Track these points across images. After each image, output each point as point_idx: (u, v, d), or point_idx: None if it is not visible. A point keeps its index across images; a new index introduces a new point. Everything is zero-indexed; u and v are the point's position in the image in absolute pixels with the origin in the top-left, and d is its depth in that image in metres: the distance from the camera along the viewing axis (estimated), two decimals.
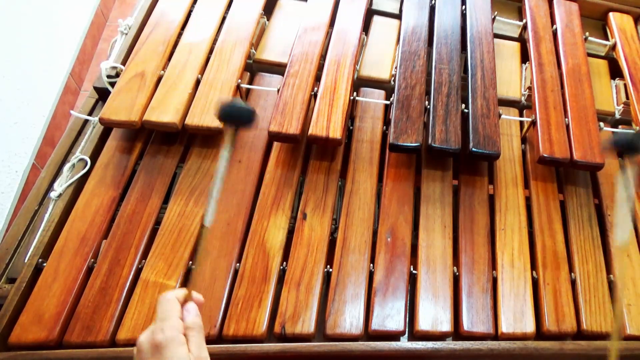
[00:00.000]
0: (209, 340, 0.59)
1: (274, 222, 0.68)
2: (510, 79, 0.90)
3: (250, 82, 0.82)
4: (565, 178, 0.79)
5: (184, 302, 0.44)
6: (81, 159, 0.73)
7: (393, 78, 0.84)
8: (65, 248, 0.64)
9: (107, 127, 0.76)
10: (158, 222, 0.67)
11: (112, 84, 0.78)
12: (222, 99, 0.48)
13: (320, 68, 0.79)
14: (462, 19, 0.90)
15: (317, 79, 0.78)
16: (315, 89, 0.76)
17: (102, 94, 0.80)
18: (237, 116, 0.47)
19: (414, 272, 0.66)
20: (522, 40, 0.96)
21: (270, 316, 0.61)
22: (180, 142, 0.75)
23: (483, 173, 0.77)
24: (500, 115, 0.78)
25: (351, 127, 0.79)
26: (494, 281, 0.67)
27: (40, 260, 0.63)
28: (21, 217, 0.69)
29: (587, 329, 0.64)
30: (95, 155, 0.73)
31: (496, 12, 0.94)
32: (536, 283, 0.67)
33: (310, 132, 0.70)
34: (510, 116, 0.83)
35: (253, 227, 0.67)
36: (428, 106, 0.76)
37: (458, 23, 0.89)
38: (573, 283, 0.68)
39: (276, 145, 0.76)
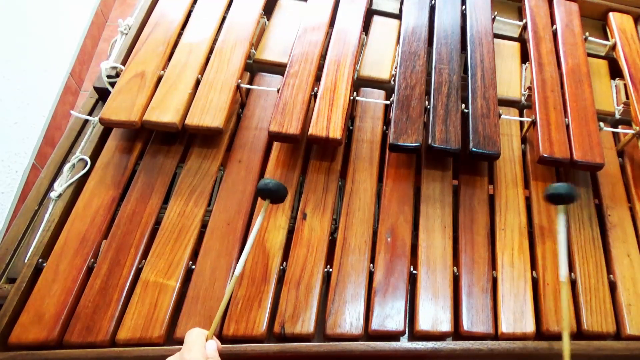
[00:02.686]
0: None
1: (274, 222, 0.68)
2: (510, 79, 0.90)
3: (250, 82, 0.82)
4: (565, 178, 0.79)
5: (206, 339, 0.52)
6: (81, 159, 0.73)
7: (393, 78, 0.84)
8: (65, 248, 0.64)
9: (107, 127, 0.76)
10: (158, 222, 0.67)
11: (112, 84, 0.78)
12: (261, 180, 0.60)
13: (320, 68, 0.79)
14: (462, 19, 0.90)
15: (317, 79, 0.78)
16: (315, 89, 0.76)
17: (102, 94, 0.80)
18: (275, 191, 0.59)
19: (414, 272, 0.66)
20: (522, 40, 0.96)
21: (270, 316, 0.61)
22: (180, 142, 0.75)
23: (483, 173, 0.77)
24: (500, 115, 0.78)
25: (351, 127, 0.79)
26: (494, 281, 0.67)
27: (40, 260, 0.63)
28: (21, 217, 0.69)
29: (588, 329, 0.64)
30: (95, 155, 0.73)
31: (496, 12, 0.94)
32: (536, 283, 0.67)
33: (310, 132, 0.70)
34: (510, 116, 0.83)
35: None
36: (428, 106, 0.76)
37: (458, 23, 0.89)
38: (573, 283, 0.68)
39: (276, 145, 0.76)
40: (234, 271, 0.63)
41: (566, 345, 0.56)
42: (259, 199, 0.67)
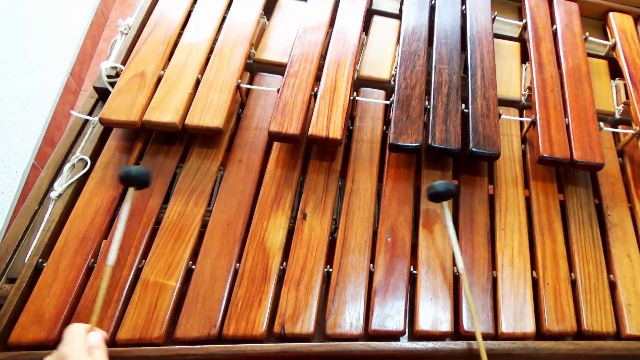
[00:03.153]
0: (209, 340, 0.59)
1: (274, 222, 0.68)
2: (510, 79, 0.90)
3: (250, 82, 0.82)
4: (565, 178, 0.79)
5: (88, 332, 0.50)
6: (81, 159, 0.73)
7: (393, 78, 0.84)
8: (65, 248, 0.64)
9: (107, 127, 0.76)
10: (158, 222, 0.67)
11: (112, 84, 0.78)
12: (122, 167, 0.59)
13: (320, 68, 0.79)
14: (462, 19, 0.90)
15: (317, 79, 0.78)
16: (315, 89, 0.76)
17: (102, 94, 0.80)
18: (137, 178, 0.58)
19: (414, 272, 0.66)
20: (522, 40, 0.96)
21: (270, 316, 0.61)
22: (180, 142, 0.75)
23: (483, 173, 0.77)
24: (500, 115, 0.78)
25: (351, 127, 0.79)
26: (494, 281, 0.67)
27: (40, 260, 0.63)
28: (21, 217, 0.69)
29: (588, 329, 0.64)
30: (95, 155, 0.73)
31: (496, 12, 0.94)
32: (536, 283, 0.67)
33: (310, 132, 0.70)
34: (510, 116, 0.83)
35: (253, 227, 0.67)
36: (428, 106, 0.76)
37: (458, 23, 0.89)
38: (573, 283, 0.68)
39: (276, 145, 0.76)
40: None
41: (481, 344, 0.57)
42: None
